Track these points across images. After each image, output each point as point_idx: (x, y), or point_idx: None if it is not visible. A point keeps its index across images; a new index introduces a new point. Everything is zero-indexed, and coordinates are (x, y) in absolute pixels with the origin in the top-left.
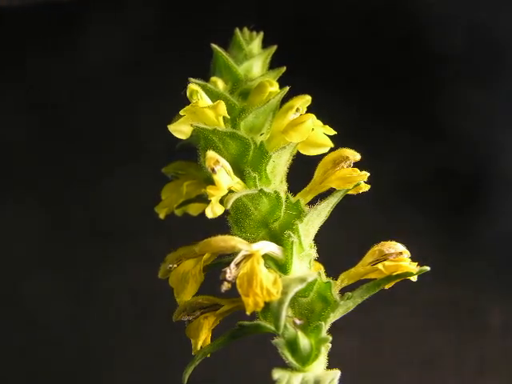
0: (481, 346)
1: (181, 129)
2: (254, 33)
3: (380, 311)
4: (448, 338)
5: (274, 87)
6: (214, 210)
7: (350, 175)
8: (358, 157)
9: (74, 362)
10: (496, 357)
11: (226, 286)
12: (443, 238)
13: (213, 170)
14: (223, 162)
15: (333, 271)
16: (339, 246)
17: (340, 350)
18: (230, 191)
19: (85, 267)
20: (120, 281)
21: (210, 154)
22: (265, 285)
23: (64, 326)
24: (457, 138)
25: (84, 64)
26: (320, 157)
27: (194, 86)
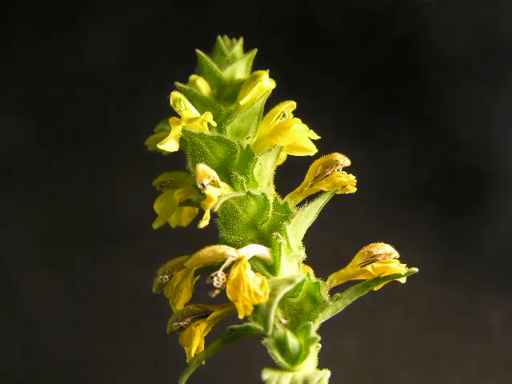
0: (481, 346)
1: (169, 144)
2: (234, 39)
3: (380, 311)
4: (448, 338)
5: (265, 81)
6: (205, 222)
7: (339, 179)
8: (347, 162)
9: (73, 362)
10: (496, 357)
11: (215, 293)
12: (443, 239)
13: (203, 185)
14: (212, 174)
15: (333, 271)
16: (339, 246)
17: (340, 350)
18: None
19: (85, 267)
20: (120, 281)
21: (200, 170)
22: (252, 288)
23: (64, 326)
24: (457, 138)
25: (84, 64)
26: (311, 160)
27: (177, 95)
